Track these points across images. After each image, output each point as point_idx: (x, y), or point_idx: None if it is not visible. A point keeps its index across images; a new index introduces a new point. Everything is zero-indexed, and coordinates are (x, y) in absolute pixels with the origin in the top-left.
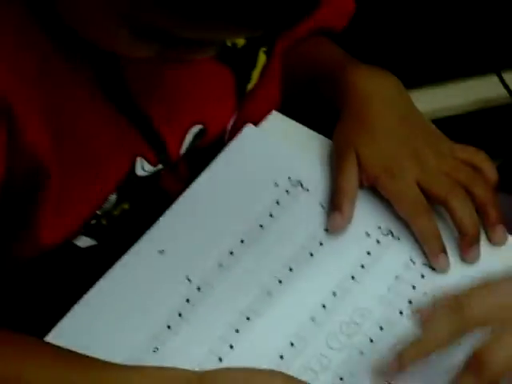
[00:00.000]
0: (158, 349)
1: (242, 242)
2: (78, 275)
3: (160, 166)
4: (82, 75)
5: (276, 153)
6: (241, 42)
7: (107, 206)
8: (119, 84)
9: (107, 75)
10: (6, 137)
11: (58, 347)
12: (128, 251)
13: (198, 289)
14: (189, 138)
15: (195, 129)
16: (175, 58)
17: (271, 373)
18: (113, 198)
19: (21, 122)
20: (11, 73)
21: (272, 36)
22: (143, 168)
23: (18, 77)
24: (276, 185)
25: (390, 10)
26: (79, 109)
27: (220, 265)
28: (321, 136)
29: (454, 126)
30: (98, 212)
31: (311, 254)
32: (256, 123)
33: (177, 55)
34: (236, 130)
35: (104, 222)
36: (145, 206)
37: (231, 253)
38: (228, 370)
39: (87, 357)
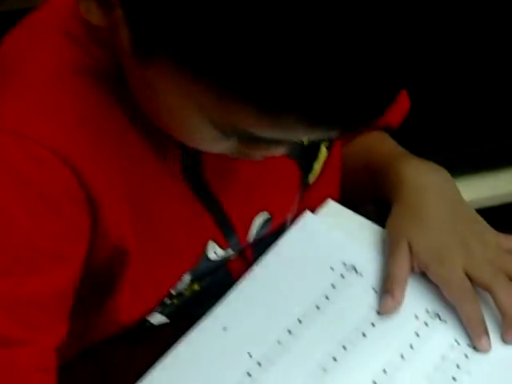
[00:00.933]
0: None
1: (299, 321)
2: (148, 350)
3: (230, 251)
4: (164, 165)
5: (332, 239)
6: None
7: (181, 286)
8: (197, 173)
9: (187, 164)
10: (91, 223)
11: None
12: (193, 328)
13: (259, 364)
14: (256, 225)
15: (262, 217)
16: (251, 155)
17: None
18: (186, 278)
19: (105, 210)
20: (97, 163)
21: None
22: (215, 252)
23: (103, 167)
24: (332, 269)
25: (440, 103)
26: (158, 194)
27: (279, 342)
28: (373, 224)
29: (499, 216)
30: (172, 292)
31: (364, 335)
32: (314, 211)
33: (253, 152)
34: (297, 216)
35: (176, 302)
36: (212, 287)
37: (289, 331)
38: None
39: None
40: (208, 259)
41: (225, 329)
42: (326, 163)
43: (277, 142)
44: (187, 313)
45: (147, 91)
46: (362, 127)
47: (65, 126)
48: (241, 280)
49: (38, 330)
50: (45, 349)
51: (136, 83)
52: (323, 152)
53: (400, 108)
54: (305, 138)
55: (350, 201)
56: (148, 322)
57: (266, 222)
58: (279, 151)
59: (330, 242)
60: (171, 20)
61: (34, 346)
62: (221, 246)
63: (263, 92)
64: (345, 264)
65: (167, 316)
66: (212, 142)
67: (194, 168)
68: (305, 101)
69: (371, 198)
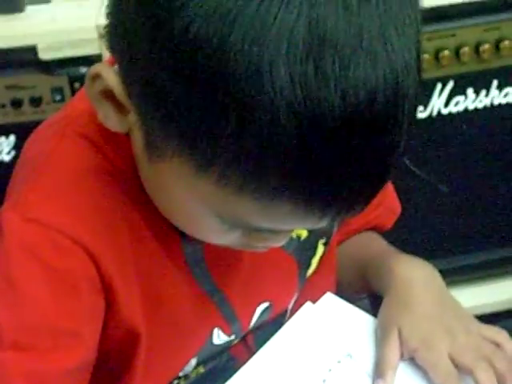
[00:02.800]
0: None
1: None
2: None
3: (233, 337)
4: (172, 255)
5: (329, 328)
6: (304, 234)
7: (188, 368)
8: (200, 264)
9: (192, 256)
10: (105, 306)
11: None
12: None
13: None
14: (257, 313)
15: (263, 306)
16: (254, 246)
17: None
18: (193, 362)
19: (118, 293)
20: (112, 251)
21: (331, 228)
22: (219, 337)
23: (117, 254)
24: (329, 355)
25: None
26: (168, 284)
27: None
28: (366, 314)
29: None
30: (179, 374)
31: None
32: (313, 302)
33: (256, 243)
34: (296, 307)
35: (184, 383)
36: (216, 369)
37: None
38: None
39: None
40: (212, 344)
41: None
42: (323, 259)
43: (276, 233)
44: None
45: (158, 185)
46: (352, 215)
47: (84, 218)
48: (244, 366)
49: None
50: None
51: (148, 178)
52: (320, 249)
53: (392, 211)
54: (300, 227)
55: (345, 294)
56: None
57: (266, 310)
58: (280, 242)
59: (327, 330)
60: (177, 125)
61: None
62: (225, 333)
63: (257, 184)
64: (341, 350)
65: None
66: (218, 235)
67: (196, 259)
68: (297, 192)
69: (365, 291)
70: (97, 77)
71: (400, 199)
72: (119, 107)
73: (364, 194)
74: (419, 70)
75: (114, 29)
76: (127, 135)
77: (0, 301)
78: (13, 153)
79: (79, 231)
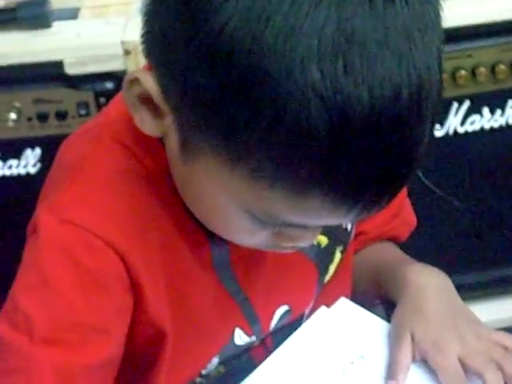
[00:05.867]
0: None
1: None
2: None
3: (254, 338)
4: (196, 255)
5: (343, 331)
6: (324, 241)
7: (210, 367)
8: (226, 267)
9: (219, 258)
10: (134, 305)
11: None
12: None
13: None
14: (277, 315)
15: (283, 309)
16: (282, 246)
17: None
18: (215, 360)
19: (146, 292)
20: (141, 251)
21: (348, 236)
22: (240, 338)
23: (146, 254)
24: (342, 356)
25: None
26: (191, 281)
27: None
28: (379, 319)
29: None
30: (202, 372)
31: None
32: (329, 307)
33: (285, 243)
34: (312, 311)
35: (204, 382)
36: (236, 370)
37: None
38: None
39: None
40: (234, 344)
41: None
42: (340, 266)
43: (304, 230)
44: None
45: (191, 186)
46: (376, 210)
47: (116, 220)
48: (261, 365)
49: None
50: None
51: (181, 180)
52: (337, 256)
53: (408, 224)
54: (328, 222)
55: (360, 300)
56: None
57: (286, 314)
58: (307, 241)
59: (341, 333)
60: (213, 123)
61: None
62: (246, 333)
63: (289, 178)
64: (354, 352)
65: None
66: (248, 234)
67: (222, 261)
68: (327, 184)
69: (379, 297)
70: (135, 81)
71: (416, 214)
72: (156, 111)
73: (390, 189)
74: (441, 72)
75: (151, 35)
76: (160, 141)
77: (34, 297)
78: (38, 165)
79: (111, 232)
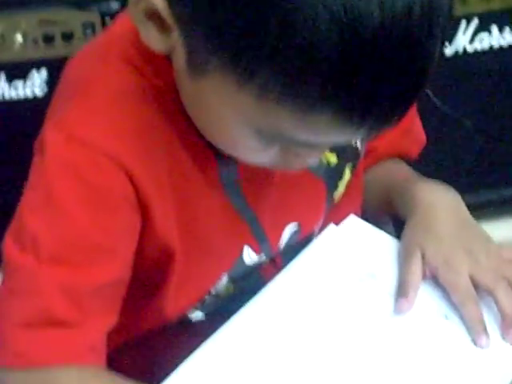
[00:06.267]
0: None
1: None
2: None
3: (263, 256)
4: (205, 175)
5: (352, 248)
6: (333, 160)
7: (220, 285)
8: (234, 186)
9: (227, 176)
10: (141, 224)
11: None
12: (221, 328)
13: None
14: (286, 234)
15: (292, 227)
16: (290, 164)
17: None
18: (224, 280)
19: (154, 210)
20: (148, 169)
21: (358, 153)
22: (249, 256)
23: (153, 173)
24: (351, 273)
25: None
26: (199, 200)
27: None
28: (389, 236)
29: None
30: (211, 290)
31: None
32: (338, 225)
33: (293, 161)
34: (322, 230)
35: (214, 301)
36: (246, 289)
37: (315, 325)
38: None
39: None
40: (243, 263)
41: (253, 328)
42: (349, 184)
43: (312, 147)
44: (223, 311)
45: (199, 104)
46: (385, 129)
47: (123, 138)
48: (270, 283)
49: (91, 315)
50: (97, 332)
51: (189, 97)
52: (347, 174)
53: (418, 141)
54: (336, 139)
55: (370, 217)
56: (187, 318)
57: (295, 232)
58: (315, 158)
59: (350, 250)
60: (220, 39)
61: (87, 328)
62: (255, 251)
63: (298, 94)
64: (363, 270)
65: (205, 314)
66: (255, 152)
67: (230, 179)
68: (337, 100)
69: (389, 214)
70: None
71: (426, 134)
72: (162, 26)
73: (399, 105)
74: None
75: None
76: (167, 57)
77: (39, 216)
78: (45, 89)
79: (118, 150)
